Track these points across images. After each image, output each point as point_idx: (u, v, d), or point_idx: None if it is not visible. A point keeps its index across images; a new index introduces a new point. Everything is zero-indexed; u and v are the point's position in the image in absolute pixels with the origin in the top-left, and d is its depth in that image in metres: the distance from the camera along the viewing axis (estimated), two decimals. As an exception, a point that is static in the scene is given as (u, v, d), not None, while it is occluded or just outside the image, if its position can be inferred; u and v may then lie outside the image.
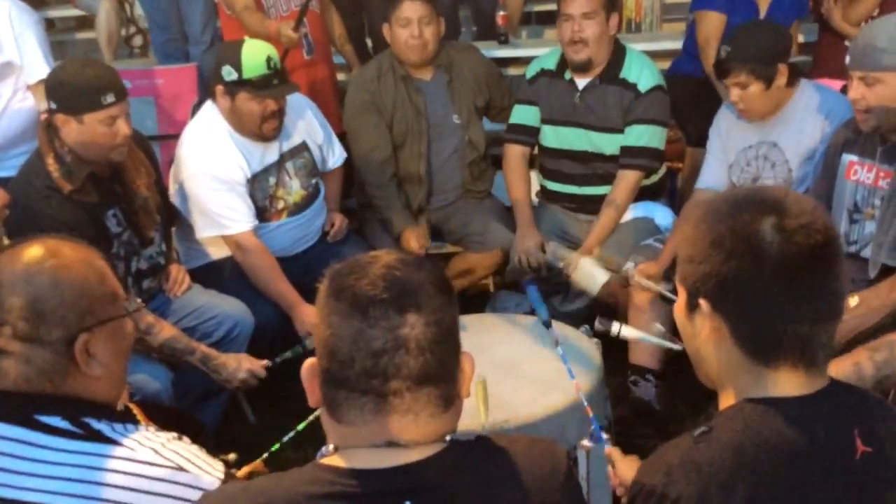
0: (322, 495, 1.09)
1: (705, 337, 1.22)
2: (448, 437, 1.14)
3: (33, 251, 1.33)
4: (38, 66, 3.15)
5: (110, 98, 2.52)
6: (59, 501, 1.24)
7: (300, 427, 2.21)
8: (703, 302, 1.20)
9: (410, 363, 1.08)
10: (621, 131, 3.22)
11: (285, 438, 2.21)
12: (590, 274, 2.95)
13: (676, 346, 2.50)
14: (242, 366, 2.61)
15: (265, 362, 2.66)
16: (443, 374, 1.12)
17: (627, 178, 3.20)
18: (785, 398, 1.18)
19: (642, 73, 3.20)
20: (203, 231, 3.01)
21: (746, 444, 1.14)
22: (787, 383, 1.19)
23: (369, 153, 3.38)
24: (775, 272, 1.14)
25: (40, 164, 2.56)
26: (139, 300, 1.47)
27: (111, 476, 1.25)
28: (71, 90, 2.52)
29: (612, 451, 1.57)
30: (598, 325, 2.35)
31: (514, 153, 3.42)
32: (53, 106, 2.55)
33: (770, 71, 2.76)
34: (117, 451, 1.28)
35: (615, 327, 2.33)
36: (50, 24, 5.13)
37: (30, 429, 1.28)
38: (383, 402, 1.10)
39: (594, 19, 3.12)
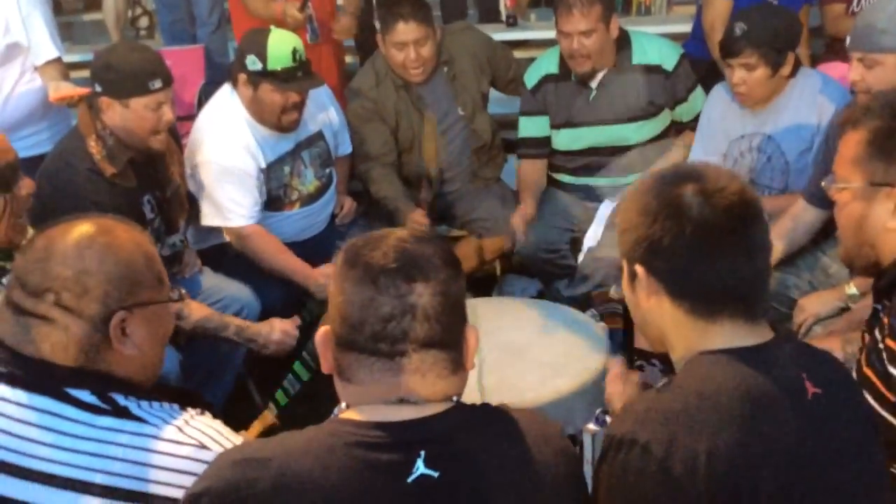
0: (343, 445, 1.13)
1: (646, 302, 1.31)
2: (455, 398, 1.21)
3: (87, 227, 1.37)
4: (45, 47, 3.13)
5: (158, 84, 2.51)
6: (83, 476, 1.26)
7: (302, 375, 2.36)
8: (638, 268, 1.30)
9: (417, 329, 1.15)
10: (646, 117, 3.17)
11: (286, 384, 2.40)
12: None
13: None
14: (275, 327, 2.57)
15: (295, 319, 2.61)
16: (448, 341, 1.18)
17: None
18: (738, 348, 1.26)
19: (661, 52, 3.15)
20: (207, 219, 2.98)
21: (707, 389, 1.21)
22: (733, 335, 1.27)
23: (377, 159, 3.33)
24: (696, 230, 1.24)
25: (81, 145, 2.53)
26: (183, 291, 1.49)
27: (134, 453, 1.27)
28: (119, 74, 2.51)
29: (612, 363, 1.68)
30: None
31: (529, 169, 3.30)
32: (98, 88, 2.54)
33: (780, 58, 2.73)
34: (143, 428, 1.30)
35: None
36: (56, 6, 5.11)
37: (59, 401, 1.30)
38: (391, 363, 1.16)
39: (594, 35, 2.99)
